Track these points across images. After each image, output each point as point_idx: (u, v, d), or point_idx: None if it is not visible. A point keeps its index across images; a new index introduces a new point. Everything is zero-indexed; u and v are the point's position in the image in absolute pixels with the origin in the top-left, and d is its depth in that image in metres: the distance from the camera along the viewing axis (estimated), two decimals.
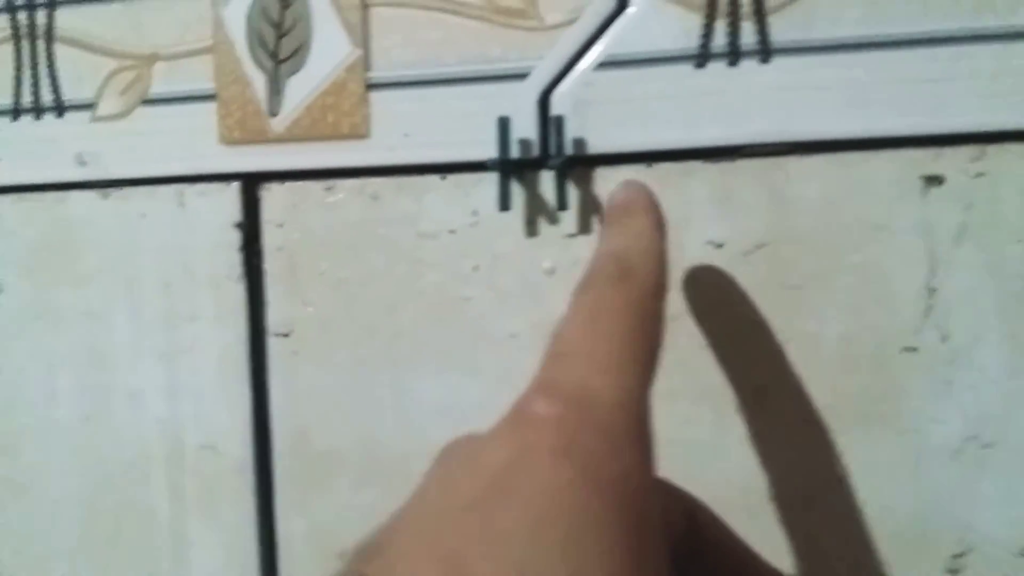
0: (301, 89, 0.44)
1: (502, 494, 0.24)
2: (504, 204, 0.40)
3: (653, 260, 0.31)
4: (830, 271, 0.39)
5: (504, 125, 0.40)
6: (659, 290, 0.30)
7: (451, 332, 0.43)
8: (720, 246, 0.40)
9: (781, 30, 0.38)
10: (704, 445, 0.40)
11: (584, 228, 0.41)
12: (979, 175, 0.37)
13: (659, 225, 0.33)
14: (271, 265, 0.46)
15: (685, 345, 0.40)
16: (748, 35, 0.39)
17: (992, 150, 0.37)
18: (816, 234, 0.39)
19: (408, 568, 0.23)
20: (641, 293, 0.30)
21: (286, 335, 0.46)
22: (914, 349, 0.38)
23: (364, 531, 0.44)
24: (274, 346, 0.46)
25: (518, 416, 0.26)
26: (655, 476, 0.26)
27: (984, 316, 0.37)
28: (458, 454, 0.27)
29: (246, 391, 0.46)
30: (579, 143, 0.41)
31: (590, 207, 0.41)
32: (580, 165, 0.41)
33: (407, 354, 0.44)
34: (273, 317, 0.46)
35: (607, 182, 0.41)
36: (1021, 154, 0.37)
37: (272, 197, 0.45)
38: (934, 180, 0.37)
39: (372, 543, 0.25)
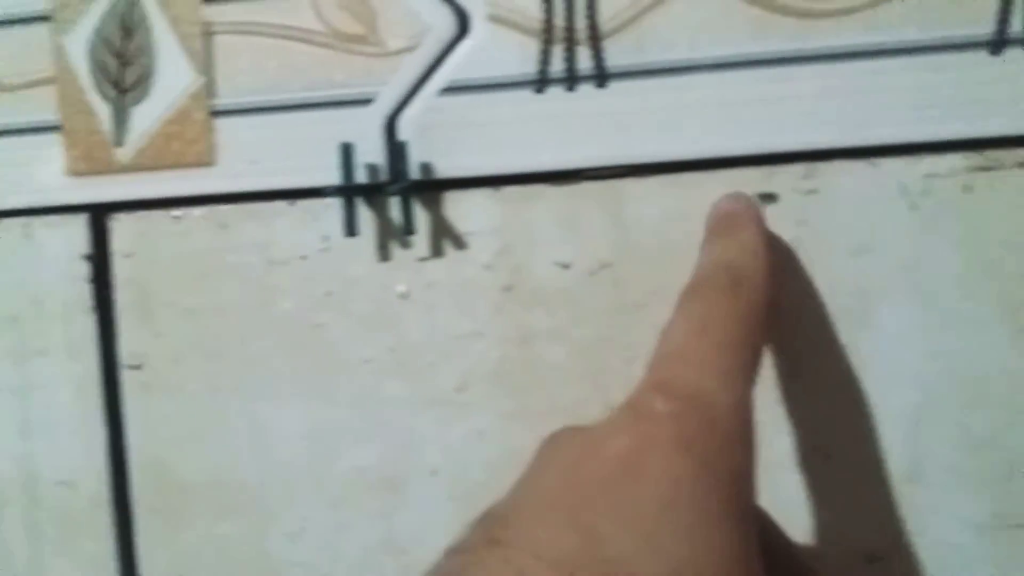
0: (146, 118, 0.43)
1: (631, 476, 0.25)
2: (350, 230, 0.40)
3: (762, 273, 0.32)
4: (671, 289, 0.39)
5: (347, 151, 0.40)
6: (766, 303, 0.32)
7: (305, 359, 0.43)
8: (567, 267, 0.40)
9: (616, 55, 0.39)
10: None
11: (436, 252, 0.41)
12: (811, 192, 0.38)
13: (766, 237, 0.34)
14: (121, 296, 0.45)
15: (537, 366, 0.41)
16: (585, 60, 0.39)
17: (822, 167, 0.38)
18: (657, 253, 0.39)
19: (544, 534, 0.24)
20: (750, 306, 0.31)
21: (138, 367, 0.45)
22: None
23: (226, 563, 0.44)
24: (127, 379, 0.45)
25: (637, 411, 0.28)
26: None
27: (818, 330, 0.38)
28: (573, 441, 0.28)
29: (100, 425, 0.46)
30: (426, 168, 0.41)
31: (441, 231, 0.41)
32: (429, 189, 0.41)
33: (261, 383, 0.44)
34: (125, 349, 0.45)
35: (456, 206, 0.41)
36: (850, 170, 0.38)
37: (121, 228, 0.45)
38: (768, 198, 0.38)
39: (497, 513, 0.26)
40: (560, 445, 0.29)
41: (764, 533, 0.32)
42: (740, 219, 0.36)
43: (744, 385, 0.29)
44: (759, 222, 0.35)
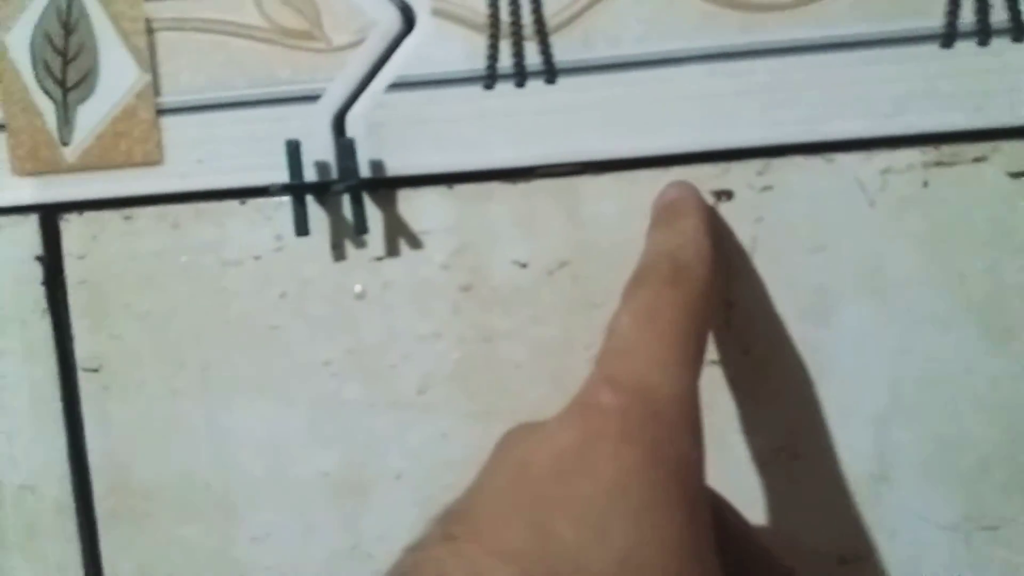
0: (92, 117, 0.42)
1: (578, 468, 0.26)
2: (301, 229, 0.40)
3: (703, 262, 0.33)
4: None
5: (294, 148, 0.39)
6: (709, 291, 0.32)
7: (263, 361, 0.42)
8: (524, 265, 0.40)
9: (564, 50, 0.38)
10: None
11: (392, 251, 0.41)
12: (767, 188, 0.37)
13: (709, 225, 0.35)
14: (75, 298, 0.44)
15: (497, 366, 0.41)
16: (533, 56, 0.38)
17: (777, 164, 0.37)
18: (614, 251, 0.39)
19: (496, 529, 0.25)
20: (693, 294, 0.32)
21: (96, 370, 0.44)
22: (717, 362, 0.38)
23: (191, 567, 0.44)
24: (84, 382, 0.45)
25: (585, 405, 0.29)
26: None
27: (780, 327, 0.38)
28: (526, 438, 0.29)
29: (60, 429, 0.45)
30: (376, 165, 0.40)
31: (396, 230, 0.40)
32: (380, 187, 0.40)
33: (220, 385, 0.43)
34: (81, 352, 0.45)
35: (410, 204, 0.40)
36: (805, 166, 0.37)
37: (72, 228, 0.44)
38: (724, 194, 0.37)
39: (453, 510, 0.27)
40: (513, 442, 0.29)
41: (720, 518, 0.32)
42: (682, 208, 0.36)
43: (689, 374, 0.30)
44: (701, 210, 0.35)
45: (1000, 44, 0.35)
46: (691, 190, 0.37)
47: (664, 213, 0.36)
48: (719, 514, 0.33)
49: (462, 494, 0.28)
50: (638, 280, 0.33)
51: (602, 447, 0.27)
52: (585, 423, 0.28)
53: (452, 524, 0.26)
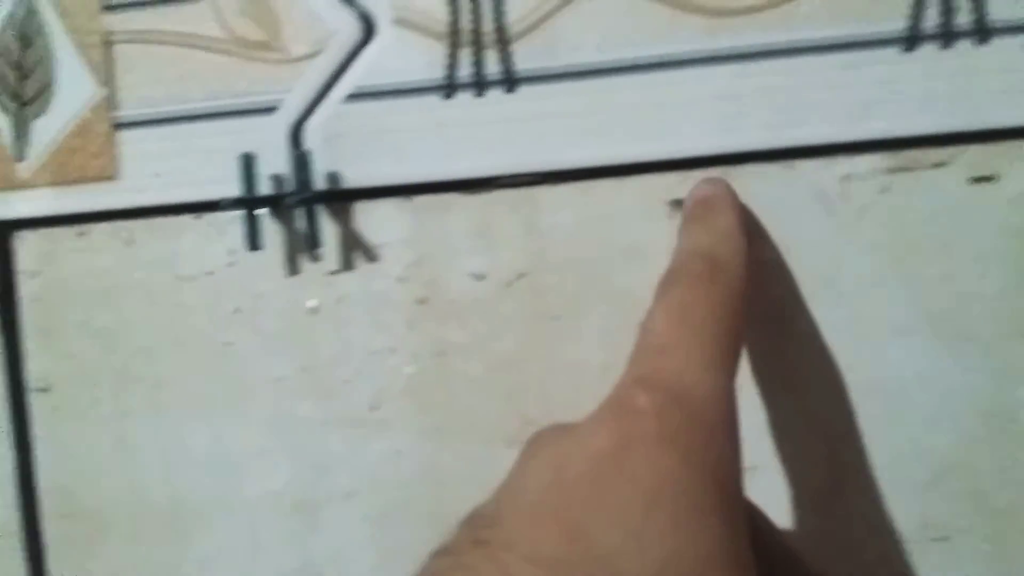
0: (47, 132, 0.42)
1: (615, 472, 0.25)
2: (253, 244, 0.39)
3: (739, 259, 0.32)
4: (588, 298, 0.38)
5: (247, 161, 0.39)
6: (745, 289, 0.31)
7: (215, 378, 0.41)
8: (482, 278, 0.39)
9: (525, 58, 0.37)
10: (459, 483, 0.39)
11: (347, 265, 0.40)
12: None
13: (742, 223, 0.34)
14: (28, 317, 0.43)
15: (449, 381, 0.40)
16: (493, 64, 0.37)
17: (737, 171, 0.36)
18: (573, 262, 0.38)
19: (531, 534, 0.25)
20: (729, 292, 0.31)
21: (46, 390, 0.43)
22: None
23: None
24: (35, 402, 0.43)
25: (620, 407, 0.28)
26: None
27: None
28: (556, 440, 0.28)
29: (8, 451, 0.44)
30: (333, 177, 0.39)
31: (351, 243, 0.40)
32: (336, 199, 0.39)
33: (171, 403, 0.42)
34: (32, 371, 0.43)
35: (367, 217, 0.40)
36: (764, 173, 0.36)
37: (25, 246, 0.43)
38: (681, 204, 0.37)
39: (482, 513, 0.26)
40: (544, 444, 0.28)
41: (754, 524, 0.31)
42: (717, 204, 0.35)
43: (726, 374, 0.29)
44: (736, 207, 0.34)
45: (963, 47, 0.34)
46: (725, 186, 0.36)
47: (697, 210, 0.35)
48: (754, 520, 0.32)
49: (491, 497, 0.27)
50: (672, 278, 0.32)
51: (638, 451, 0.26)
52: (620, 425, 0.27)
53: (483, 529, 0.26)
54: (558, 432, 0.28)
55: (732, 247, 0.32)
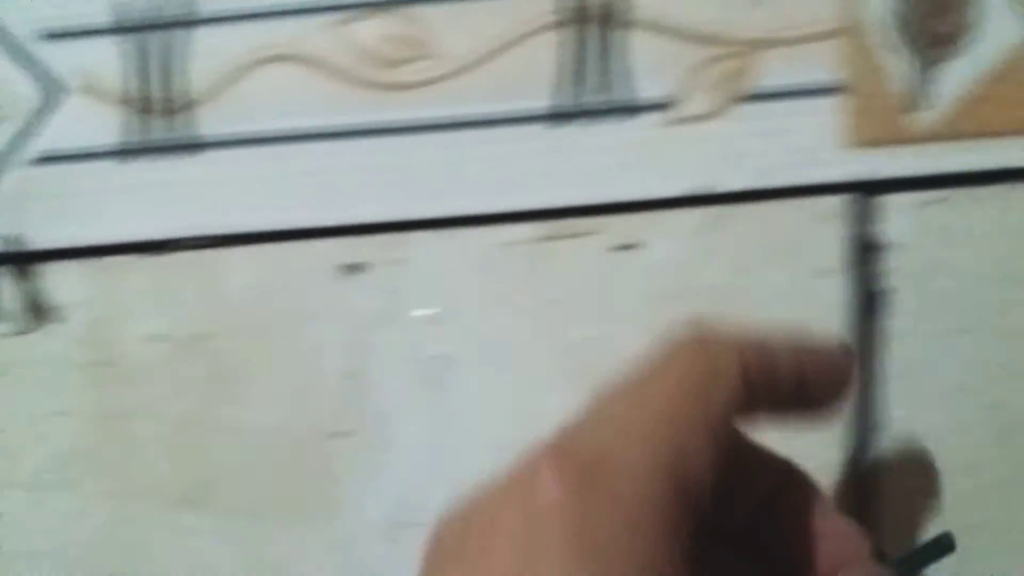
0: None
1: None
2: None
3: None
4: (264, 360, 0.39)
5: None
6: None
7: None
8: (162, 339, 0.39)
9: (206, 124, 0.39)
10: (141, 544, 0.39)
11: (28, 326, 0.39)
12: (398, 262, 0.38)
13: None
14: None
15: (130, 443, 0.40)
16: (176, 129, 0.38)
17: (406, 237, 0.38)
18: (250, 324, 0.39)
19: None
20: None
21: None
22: (345, 434, 0.38)
23: None
24: None
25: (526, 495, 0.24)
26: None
27: (404, 398, 0.38)
28: (460, 552, 0.24)
29: None
30: (14, 240, 0.39)
31: (31, 305, 0.39)
32: (15, 262, 0.39)
33: None
34: None
35: (48, 279, 0.40)
36: (432, 240, 0.38)
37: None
38: (356, 267, 0.38)
39: None
40: (446, 555, 0.26)
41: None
42: None
43: None
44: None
45: (602, 124, 0.37)
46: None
47: None
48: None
49: None
50: None
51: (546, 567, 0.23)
52: (525, 529, 0.24)
53: None
54: (458, 534, 0.26)
55: None
